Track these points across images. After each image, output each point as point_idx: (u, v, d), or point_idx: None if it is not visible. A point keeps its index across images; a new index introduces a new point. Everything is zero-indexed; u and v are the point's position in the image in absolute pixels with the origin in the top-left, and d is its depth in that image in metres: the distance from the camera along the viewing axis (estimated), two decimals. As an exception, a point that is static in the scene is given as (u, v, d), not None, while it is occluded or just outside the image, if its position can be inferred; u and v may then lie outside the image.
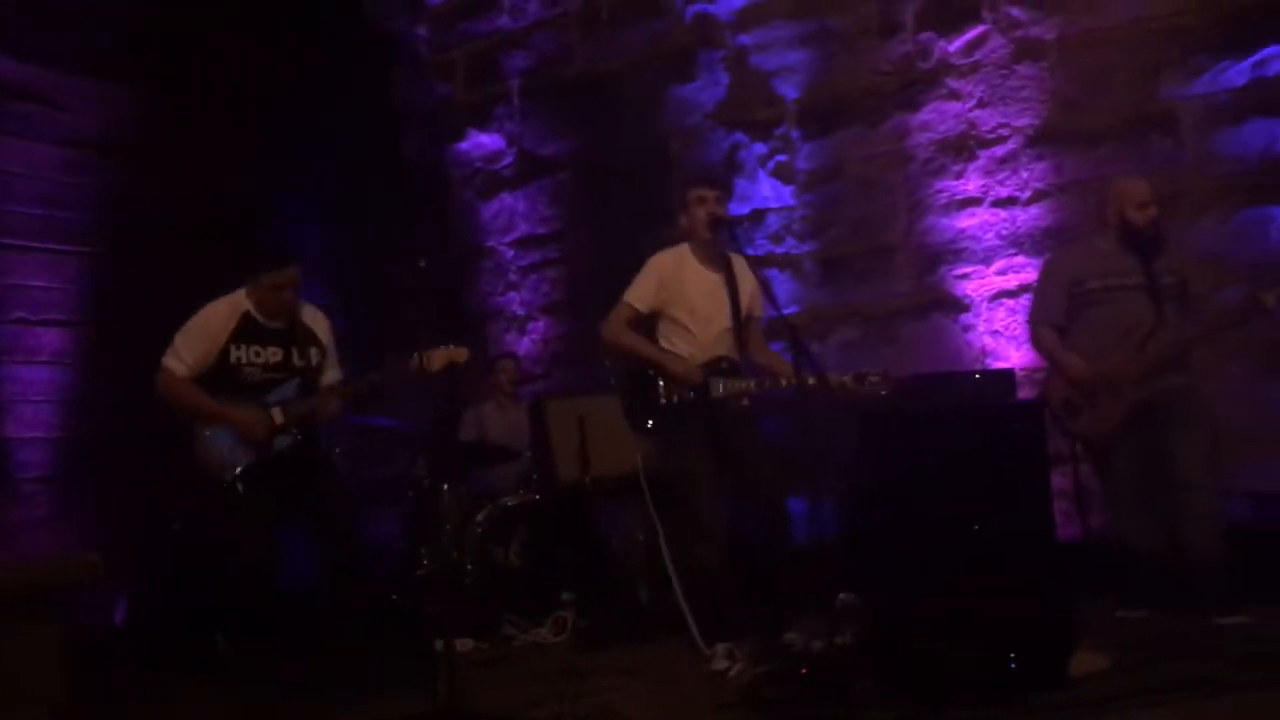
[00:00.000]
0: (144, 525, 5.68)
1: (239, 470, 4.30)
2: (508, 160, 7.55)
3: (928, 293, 6.01)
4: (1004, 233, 5.83)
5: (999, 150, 5.85)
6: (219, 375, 4.33)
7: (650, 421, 4.38)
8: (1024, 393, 5.28)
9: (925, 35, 6.06)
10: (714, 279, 4.45)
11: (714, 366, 4.39)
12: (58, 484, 5.85)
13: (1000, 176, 5.85)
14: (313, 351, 4.48)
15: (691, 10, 6.78)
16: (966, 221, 5.92)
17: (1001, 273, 5.81)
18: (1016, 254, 5.77)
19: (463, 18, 7.72)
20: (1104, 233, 4.48)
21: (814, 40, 6.38)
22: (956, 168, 5.96)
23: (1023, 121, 5.79)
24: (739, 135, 6.63)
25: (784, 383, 4.28)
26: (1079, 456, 4.71)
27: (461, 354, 4.32)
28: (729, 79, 6.67)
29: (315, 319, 4.57)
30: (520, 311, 7.45)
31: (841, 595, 4.34)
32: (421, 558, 5.44)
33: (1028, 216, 5.77)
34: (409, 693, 3.75)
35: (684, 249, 4.49)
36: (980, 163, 5.90)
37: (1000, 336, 5.79)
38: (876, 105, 6.19)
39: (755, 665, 3.84)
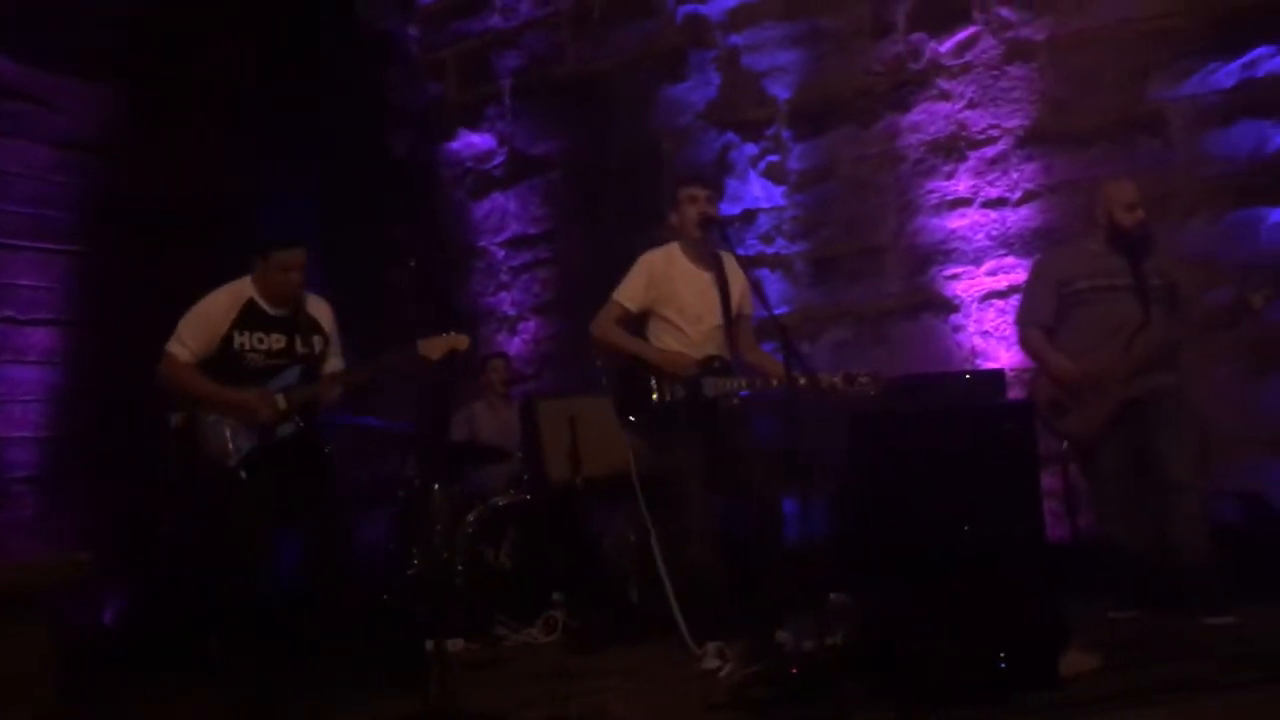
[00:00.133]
0: (133, 525, 5.67)
1: (242, 455, 4.27)
2: (499, 160, 7.55)
3: (918, 293, 6.02)
4: (994, 233, 5.84)
5: (989, 151, 5.86)
6: (222, 361, 4.30)
7: (642, 420, 4.37)
8: (1014, 393, 5.30)
9: (916, 36, 6.07)
10: (704, 278, 4.45)
11: (706, 365, 4.39)
12: (46, 484, 5.83)
13: (990, 177, 5.86)
14: (316, 339, 4.47)
15: (683, 10, 6.79)
16: (957, 222, 5.93)
17: (992, 273, 5.82)
18: (1006, 255, 5.78)
19: (454, 17, 7.71)
20: (1093, 234, 4.49)
21: (805, 41, 6.39)
22: (947, 168, 5.98)
23: (1013, 122, 5.80)
24: (730, 135, 6.64)
25: (775, 382, 4.29)
26: (1068, 456, 4.73)
27: (463, 341, 4.31)
28: (720, 79, 6.67)
29: (319, 307, 4.55)
30: (511, 311, 7.44)
31: (832, 595, 4.35)
32: (412, 558, 5.44)
33: (1018, 217, 5.78)
34: (400, 694, 3.75)
35: (674, 248, 4.49)
36: (970, 163, 5.91)
37: (990, 337, 5.80)
38: (867, 106, 6.20)
39: (746, 665, 3.84)
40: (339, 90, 7.16)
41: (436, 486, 5.57)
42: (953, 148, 5.96)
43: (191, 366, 4.27)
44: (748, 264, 5.37)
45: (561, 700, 3.77)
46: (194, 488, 4.69)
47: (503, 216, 7.51)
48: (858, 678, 3.40)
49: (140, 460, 5.53)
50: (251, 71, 6.63)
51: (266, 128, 6.67)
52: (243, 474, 4.25)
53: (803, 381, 4.00)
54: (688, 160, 6.64)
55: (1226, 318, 4.33)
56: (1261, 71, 5.19)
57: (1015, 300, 4.94)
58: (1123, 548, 4.37)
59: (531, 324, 7.37)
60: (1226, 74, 5.28)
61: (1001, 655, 3.33)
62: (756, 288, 4.34)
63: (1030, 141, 5.76)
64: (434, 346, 4.24)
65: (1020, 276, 5.39)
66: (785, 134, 6.46)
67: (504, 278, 7.49)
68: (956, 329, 5.92)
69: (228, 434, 4.27)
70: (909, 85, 6.08)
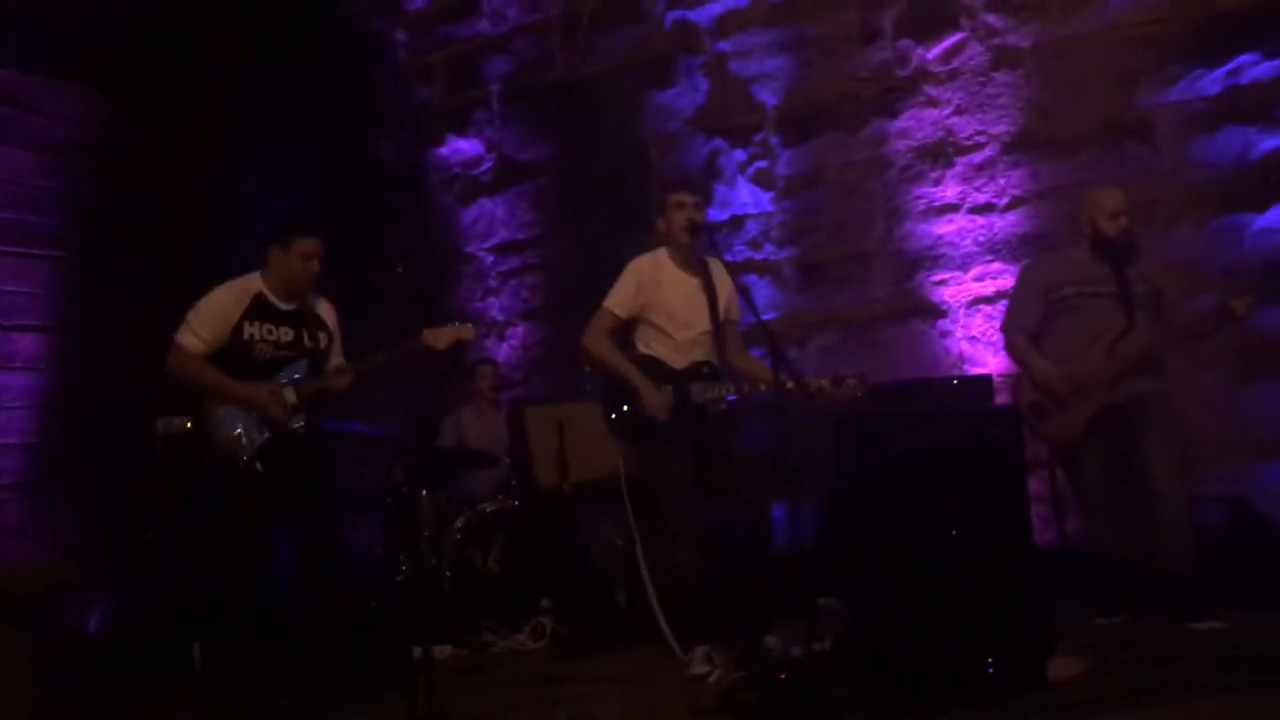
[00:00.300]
0: (120, 531, 5.64)
1: (256, 448, 4.23)
2: (487, 165, 7.55)
3: (906, 299, 6.04)
4: (981, 239, 5.86)
5: (976, 157, 5.89)
6: (231, 352, 4.28)
7: (630, 427, 4.37)
8: (1001, 398, 5.31)
9: (903, 42, 6.09)
10: (692, 283, 4.46)
11: (694, 372, 4.39)
12: (32, 490, 5.80)
13: (978, 183, 5.88)
14: (321, 335, 4.47)
15: (671, 17, 6.80)
16: (944, 228, 5.95)
17: (979, 279, 5.84)
18: (994, 260, 5.80)
19: (442, 22, 7.71)
20: (1078, 242, 4.51)
21: (793, 47, 6.40)
22: (934, 174, 5.99)
23: (1000, 129, 5.83)
24: (718, 141, 6.65)
25: (762, 387, 4.29)
26: (1054, 462, 4.74)
27: (468, 331, 4.33)
28: (708, 85, 6.68)
29: (323, 305, 4.55)
30: (500, 317, 7.44)
31: (820, 600, 4.35)
32: (400, 564, 5.42)
33: (1005, 223, 5.80)
34: (388, 700, 3.74)
35: (661, 254, 4.49)
36: (958, 169, 5.93)
37: (978, 342, 5.82)
38: (855, 112, 6.21)
39: (734, 670, 3.85)
40: (326, 94, 7.14)
41: (424, 492, 5.55)
42: (940, 154, 5.98)
43: (202, 357, 4.25)
44: (736, 270, 5.38)
45: (550, 706, 3.77)
46: (202, 482, 4.64)
47: (491, 222, 7.51)
48: (846, 683, 3.40)
49: (127, 466, 5.51)
50: (237, 75, 6.60)
51: (253, 132, 6.65)
52: (258, 466, 4.23)
53: (790, 385, 4.01)
54: (676, 166, 6.65)
55: (1210, 324, 4.35)
56: (1246, 78, 5.22)
57: (1003, 306, 4.96)
58: (1108, 553, 4.38)
59: (520, 330, 7.37)
60: (1212, 81, 5.31)
61: (990, 660, 3.34)
62: (744, 293, 4.34)
63: (1017, 148, 5.78)
64: (440, 336, 4.27)
65: (1007, 282, 5.41)
66: (773, 140, 6.48)
67: (492, 283, 7.49)
68: (944, 334, 5.93)
69: (240, 426, 4.23)
70: (896, 91, 6.10)
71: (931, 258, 5.98)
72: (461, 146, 7.64)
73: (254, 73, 6.64)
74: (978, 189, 5.88)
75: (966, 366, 5.81)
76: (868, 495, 4.97)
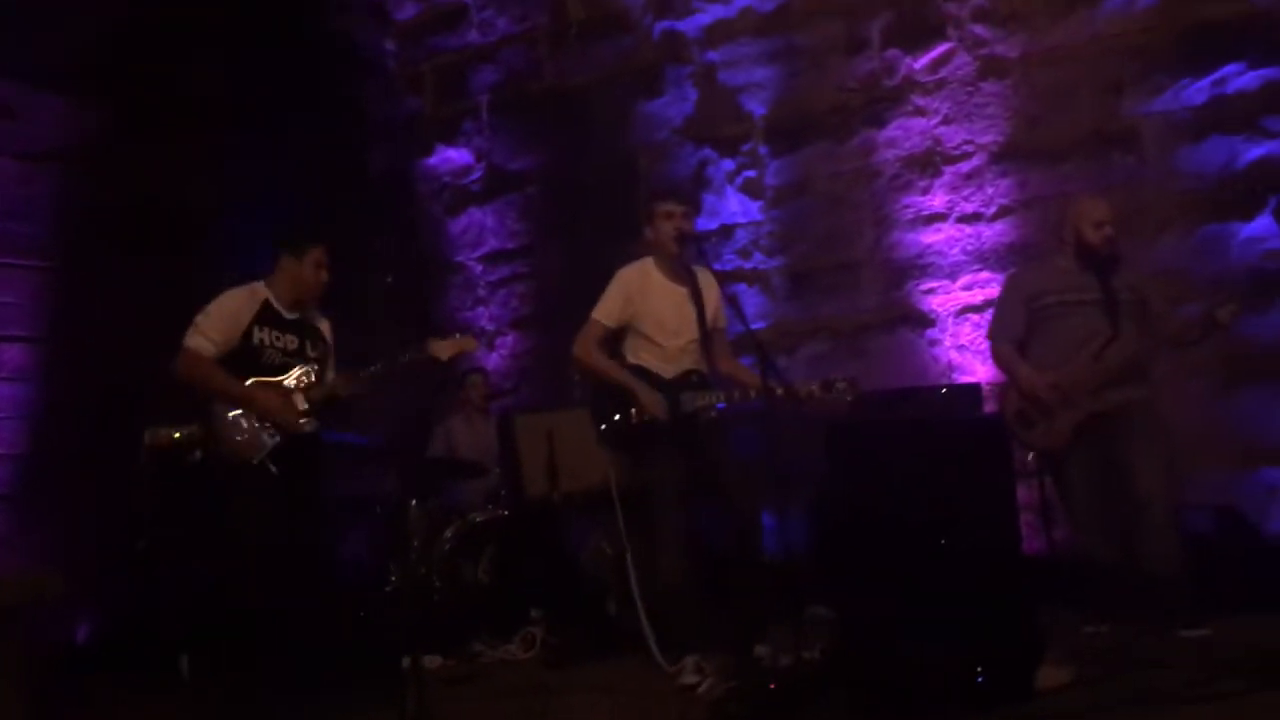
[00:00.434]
0: (106, 542, 5.62)
1: (268, 451, 4.23)
2: (476, 175, 7.55)
3: (894, 308, 6.05)
4: (969, 248, 5.88)
5: (964, 166, 5.91)
6: (241, 356, 4.27)
7: (621, 436, 4.37)
8: (990, 407, 5.32)
9: (891, 53, 6.11)
10: (680, 292, 4.46)
11: (684, 380, 4.40)
12: (19, 501, 5.77)
13: (965, 192, 5.90)
14: (321, 346, 4.49)
15: (660, 27, 6.82)
16: (932, 237, 5.97)
17: (967, 288, 5.86)
18: (982, 269, 5.82)
19: (431, 32, 7.72)
20: (1063, 250, 4.52)
21: (781, 57, 6.42)
22: (922, 184, 6.01)
23: (987, 138, 5.85)
24: (707, 151, 6.66)
25: (752, 394, 4.29)
26: (1042, 470, 4.75)
27: (471, 343, 4.36)
28: (697, 95, 6.70)
29: (319, 319, 4.57)
30: (489, 326, 7.43)
31: (809, 609, 4.35)
32: (390, 574, 5.41)
33: (992, 232, 5.82)
34: (377, 711, 3.73)
35: (648, 263, 4.49)
36: (946, 179, 5.95)
37: (966, 351, 5.83)
38: (843, 121, 6.23)
39: (724, 680, 3.84)
40: (315, 104, 7.14)
41: (414, 502, 5.55)
42: (928, 163, 6.00)
43: (214, 361, 4.24)
44: (725, 279, 5.39)
45: (539, 717, 3.76)
46: (193, 489, 4.63)
47: (480, 231, 7.51)
48: (835, 692, 3.40)
49: (114, 476, 5.49)
50: (225, 85, 6.60)
51: (241, 142, 6.64)
52: (273, 469, 4.22)
53: (780, 392, 4.01)
54: (665, 176, 6.66)
55: (1195, 333, 4.36)
56: (1231, 88, 5.26)
57: (990, 315, 4.98)
58: (1096, 561, 4.38)
59: (509, 339, 7.36)
60: (1197, 90, 5.34)
61: (979, 668, 3.34)
62: (733, 302, 4.35)
63: (1004, 157, 5.80)
64: (444, 348, 4.29)
65: (996, 291, 5.41)
66: (762, 149, 6.49)
67: (482, 292, 7.48)
68: (933, 343, 5.95)
69: (251, 428, 4.23)
70: (884, 101, 6.12)
71: (920, 267, 6.00)
72: (451, 156, 7.64)
73: (242, 83, 6.64)
74: (966, 198, 5.90)
75: (955, 375, 5.82)
76: (857, 503, 4.97)
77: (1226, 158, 5.26)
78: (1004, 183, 5.80)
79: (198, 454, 5.10)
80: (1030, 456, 4.69)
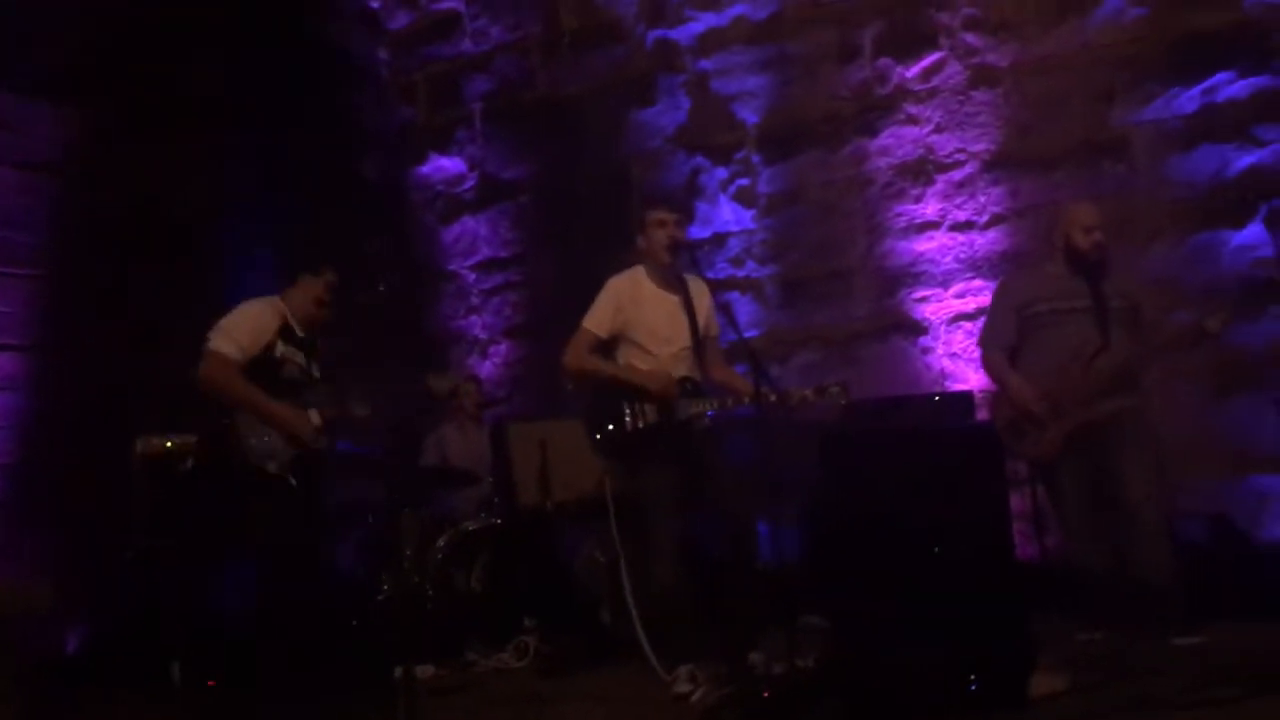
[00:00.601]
0: (98, 551, 5.59)
1: (289, 461, 4.25)
2: (469, 184, 7.55)
3: (887, 315, 6.06)
4: (962, 256, 5.89)
5: (956, 175, 5.92)
6: (262, 367, 4.28)
7: (615, 445, 4.36)
8: (982, 414, 5.32)
9: (883, 61, 6.13)
10: (672, 300, 4.46)
11: (677, 388, 4.39)
12: (10, 510, 5.75)
13: (958, 201, 5.92)
14: (319, 368, 4.53)
15: (652, 35, 6.83)
16: (925, 245, 5.98)
17: (960, 296, 5.87)
18: (974, 277, 5.84)
19: (424, 41, 7.72)
20: (1053, 257, 4.54)
21: (774, 65, 6.44)
22: (915, 192, 6.03)
23: (979, 147, 5.87)
24: (700, 159, 6.68)
25: (745, 400, 4.29)
26: (1034, 478, 4.75)
27: (469, 389, 4.37)
28: (690, 103, 6.71)
29: (316, 340, 4.59)
30: (482, 335, 7.43)
31: (803, 617, 4.35)
32: (382, 583, 5.39)
33: (985, 240, 5.84)
34: (369, 720, 3.72)
35: (639, 271, 4.49)
36: (938, 187, 5.97)
37: (959, 359, 5.84)
38: (835, 130, 6.25)
39: (717, 688, 3.84)
40: (309, 113, 7.14)
41: (407, 510, 5.53)
42: (920, 171, 6.01)
43: (241, 367, 4.24)
44: (718, 287, 5.39)
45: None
46: (217, 488, 4.62)
47: (473, 240, 7.51)
48: (829, 700, 3.40)
49: (106, 485, 5.47)
50: (218, 94, 6.60)
51: (235, 151, 6.64)
52: (291, 480, 4.23)
53: (773, 398, 4.01)
54: (658, 184, 6.67)
55: (1186, 341, 4.37)
56: (1222, 97, 5.28)
57: (983, 322, 4.99)
58: (1088, 568, 4.39)
59: (503, 347, 7.36)
60: (1188, 99, 5.36)
61: (972, 676, 3.34)
62: (726, 311, 4.35)
63: (996, 165, 5.82)
64: (441, 382, 4.43)
65: (988, 299, 5.43)
66: (755, 158, 6.50)
67: (475, 301, 7.48)
68: (925, 351, 5.96)
69: (268, 439, 4.24)
70: (876, 110, 6.14)
71: (912, 275, 6.01)
72: (444, 165, 7.65)
73: (235, 92, 6.64)
74: (958, 206, 5.92)
75: (948, 383, 5.83)
76: (850, 511, 4.96)
77: (1217, 166, 5.28)
78: (996, 191, 5.82)
79: (189, 462, 5.10)
80: (1022, 468, 4.70)
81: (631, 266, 4.52)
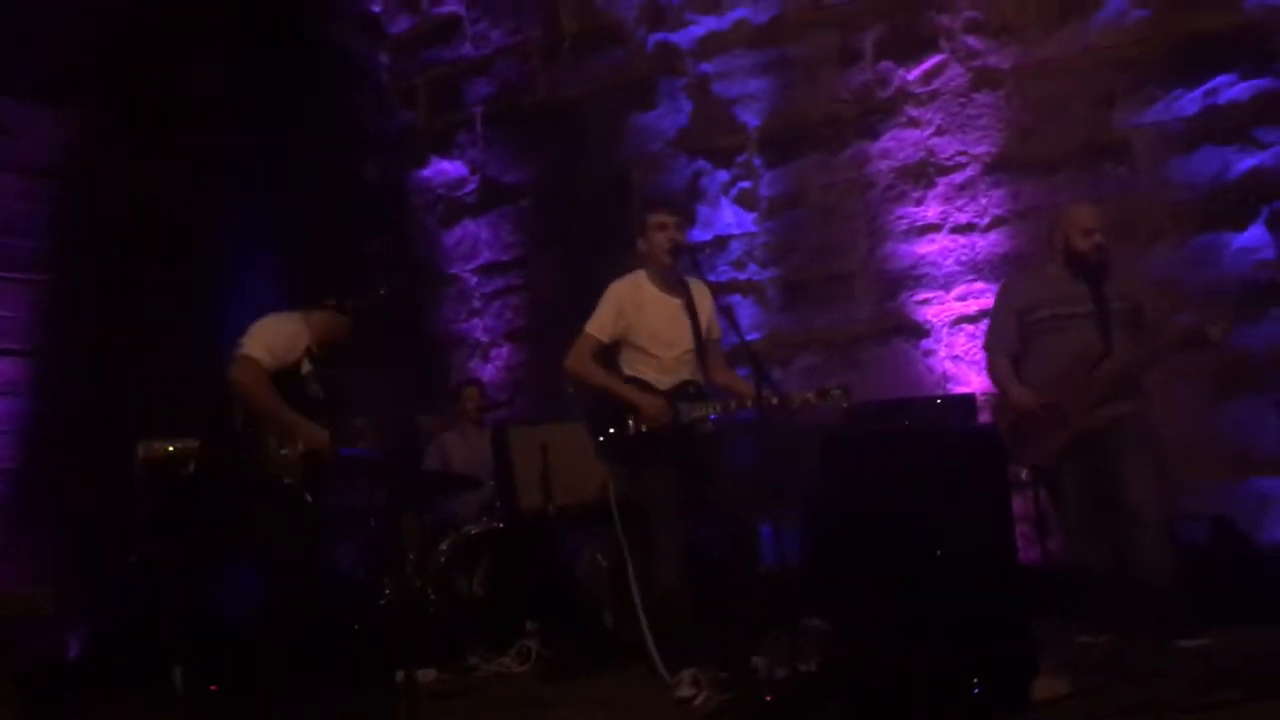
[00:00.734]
0: (99, 556, 5.60)
1: (302, 474, 4.27)
2: (470, 187, 7.55)
3: (889, 318, 6.06)
4: (963, 259, 5.89)
5: (958, 177, 5.92)
6: (286, 381, 4.29)
7: (618, 448, 4.36)
8: (985, 417, 5.32)
9: (884, 64, 6.13)
10: (673, 304, 4.46)
11: (680, 391, 4.39)
12: (12, 515, 5.75)
13: (959, 203, 5.91)
14: (327, 390, 4.56)
15: (653, 39, 6.83)
16: (926, 248, 5.98)
17: (961, 298, 5.87)
18: (976, 280, 5.83)
19: (425, 45, 7.73)
20: (1053, 258, 4.53)
21: (775, 69, 6.44)
22: (916, 194, 6.03)
23: (981, 149, 5.87)
24: (701, 162, 6.67)
25: (749, 402, 4.29)
26: (1037, 481, 4.75)
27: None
28: (691, 107, 6.71)
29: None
30: (484, 338, 7.43)
31: (805, 621, 4.34)
32: (384, 587, 5.39)
33: (986, 243, 5.84)
34: (370, 725, 3.71)
35: (640, 275, 4.49)
36: (939, 189, 5.96)
37: (961, 361, 5.84)
38: (837, 133, 6.25)
39: (720, 692, 3.83)
40: (309, 118, 7.14)
41: (408, 515, 5.53)
42: (921, 174, 6.01)
43: (270, 376, 4.25)
44: (720, 290, 5.39)
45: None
46: (229, 497, 4.64)
47: (475, 243, 7.51)
48: (831, 704, 3.39)
49: (107, 489, 5.47)
50: (219, 97, 6.60)
51: (236, 155, 6.65)
52: (308, 496, 4.26)
53: (775, 401, 4.01)
54: (659, 187, 6.67)
55: (1187, 345, 4.36)
56: (1223, 99, 5.28)
57: (985, 325, 4.98)
58: (1091, 571, 4.39)
59: (504, 350, 7.36)
60: (1190, 101, 5.36)
61: (974, 679, 3.34)
62: (728, 313, 4.34)
63: (998, 168, 5.82)
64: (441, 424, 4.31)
65: (990, 301, 5.43)
66: (756, 161, 6.50)
67: (476, 304, 7.48)
68: (927, 354, 5.95)
69: (285, 451, 4.26)
70: (877, 113, 6.14)
71: (914, 277, 6.01)
72: (445, 168, 7.65)
73: (236, 96, 6.64)
74: (959, 209, 5.92)
75: (950, 385, 5.83)
76: (852, 514, 4.96)
77: (1219, 168, 5.28)
78: (997, 193, 5.82)
79: (191, 466, 5.10)
80: (1024, 473, 4.70)
81: (633, 270, 4.52)
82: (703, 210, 6.61)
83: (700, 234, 6.49)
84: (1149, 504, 4.23)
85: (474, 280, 7.50)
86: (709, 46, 6.64)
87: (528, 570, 5.41)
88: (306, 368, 4.35)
